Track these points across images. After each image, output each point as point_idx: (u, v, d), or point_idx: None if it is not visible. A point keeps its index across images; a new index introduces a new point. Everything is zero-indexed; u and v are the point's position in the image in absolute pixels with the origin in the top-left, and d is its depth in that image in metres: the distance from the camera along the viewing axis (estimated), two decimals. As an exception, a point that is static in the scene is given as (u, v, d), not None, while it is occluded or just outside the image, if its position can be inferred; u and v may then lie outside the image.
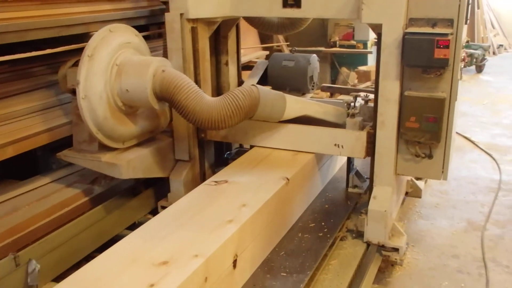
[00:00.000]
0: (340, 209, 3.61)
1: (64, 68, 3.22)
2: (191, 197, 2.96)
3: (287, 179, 3.12)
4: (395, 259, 3.29)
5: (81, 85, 2.91)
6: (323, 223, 3.37)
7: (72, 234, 3.09)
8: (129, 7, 3.85)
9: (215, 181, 3.12)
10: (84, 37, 3.54)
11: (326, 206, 3.64)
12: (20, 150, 3.17)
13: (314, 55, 4.36)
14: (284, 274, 2.80)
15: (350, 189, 3.91)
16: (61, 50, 3.41)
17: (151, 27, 4.10)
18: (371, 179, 3.26)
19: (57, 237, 2.99)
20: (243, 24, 4.21)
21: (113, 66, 3.04)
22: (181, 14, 3.33)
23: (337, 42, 8.71)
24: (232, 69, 4.11)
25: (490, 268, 3.85)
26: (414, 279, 3.69)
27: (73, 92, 3.23)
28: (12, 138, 3.10)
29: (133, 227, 3.50)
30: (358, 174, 3.95)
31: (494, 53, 14.97)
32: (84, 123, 3.01)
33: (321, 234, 3.24)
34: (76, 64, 3.20)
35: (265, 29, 4.31)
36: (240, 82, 4.26)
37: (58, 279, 2.89)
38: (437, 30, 2.88)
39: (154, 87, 3.01)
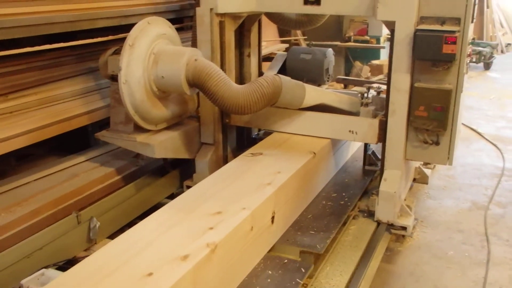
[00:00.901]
0: (358, 182, 4.02)
1: (105, 56, 3.53)
2: (232, 165, 3.39)
3: (314, 153, 3.52)
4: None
5: (122, 71, 3.23)
6: (343, 194, 3.77)
7: (123, 198, 3.52)
8: (162, 1, 4.15)
9: (252, 153, 3.53)
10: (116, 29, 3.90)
11: (346, 180, 4.05)
12: (64, 130, 3.53)
13: (330, 49, 4.66)
14: (312, 232, 3.21)
15: (366, 167, 4.26)
16: (100, 41, 3.73)
17: (182, 20, 4.39)
18: (382, 163, 3.55)
19: (112, 200, 3.45)
20: (264, 19, 4.50)
21: (151, 55, 3.35)
22: (211, 9, 3.61)
23: (352, 37, 9.12)
24: (253, 61, 4.40)
25: (492, 241, 4.25)
26: (422, 249, 4.10)
27: (112, 78, 3.55)
28: (58, 119, 3.45)
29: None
30: (374, 154, 4.28)
31: (502, 52, 15.16)
32: (124, 105, 3.32)
33: (342, 202, 3.64)
34: (115, 53, 3.53)
35: (285, 25, 4.61)
36: (260, 73, 4.55)
37: (112, 236, 3.29)
38: (445, 27, 3.14)
39: (187, 75, 3.31)
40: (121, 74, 3.23)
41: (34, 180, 3.37)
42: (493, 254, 4.07)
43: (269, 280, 2.67)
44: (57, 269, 2.71)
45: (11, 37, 3.03)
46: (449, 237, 4.31)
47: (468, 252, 4.11)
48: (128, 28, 3.42)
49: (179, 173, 4.16)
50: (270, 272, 2.74)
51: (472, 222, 4.56)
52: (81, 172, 3.56)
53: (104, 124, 3.81)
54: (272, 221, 2.96)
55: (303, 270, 2.77)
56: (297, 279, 2.68)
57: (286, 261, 2.86)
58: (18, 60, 3.34)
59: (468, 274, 3.87)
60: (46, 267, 2.64)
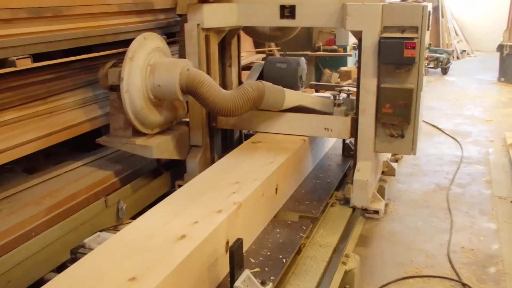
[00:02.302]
0: (339, 166, 4.74)
1: (104, 69, 3.88)
2: (238, 151, 4.03)
3: (304, 140, 4.19)
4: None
5: (124, 81, 3.61)
6: (328, 174, 4.49)
7: (137, 187, 4.15)
8: (151, 19, 4.55)
9: (252, 142, 4.18)
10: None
11: (329, 164, 4.79)
12: (69, 136, 3.90)
13: (303, 58, 5.11)
14: (307, 202, 3.90)
15: (345, 153, 4.94)
16: (98, 55, 4.11)
17: (169, 36, 4.78)
18: (355, 155, 3.99)
19: (130, 188, 4.08)
20: (241, 33, 4.93)
21: (148, 66, 3.74)
22: (198, 24, 4.01)
23: (321, 47, 9.79)
24: (234, 71, 4.81)
25: (454, 214, 5.08)
26: (396, 221, 4.92)
27: (111, 88, 3.92)
28: (63, 126, 3.82)
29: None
30: (350, 143, 4.81)
31: (458, 58, 16.03)
32: (125, 111, 3.70)
33: (328, 181, 4.34)
34: (114, 65, 3.90)
35: (260, 38, 5.07)
36: (240, 82, 4.96)
37: (134, 217, 3.86)
38: (405, 35, 3.58)
39: (181, 83, 3.70)
40: (123, 84, 3.61)
41: (64, 172, 3.94)
42: (455, 223, 4.90)
43: (278, 235, 3.30)
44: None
45: (27, 53, 3.40)
46: (418, 212, 5.12)
47: (435, 223, 4.92)
48: (119, 44, 3.84)
49: (170, 174, 4.55)
50: (278, 230, 3.38)
51: (436, 200, 5.38)
52: (101, 166, 4.15)
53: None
54: (276, 192, 3.63)
55: (304, 228, 3.41)
56: (300, 234, 3.33)
57: (289, 222, 3.51)
58: (28, 74, 3.70)
59: (435, 239, 4.65)
60: (100, 230, 3.21)
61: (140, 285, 2.14)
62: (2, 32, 3.24)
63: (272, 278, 2.78)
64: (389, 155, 5.01)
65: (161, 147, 4.00)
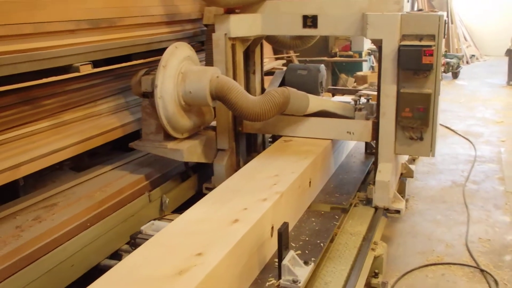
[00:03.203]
0: (363, 163, 5.03)
1: (137, 77, 4.10)
2: (273, 147, 4.38)
3: (331, 140, 4.47)
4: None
5: (158, 88, 3.83)
6: (354, 170, 4.83)
7: (174, 185, 4.46)
8: (179, 29, 4.79)
9: (284, 140, 4.49)
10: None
11: (353, 161, 5.09)
12: (104, 141, 4.14)
13: (322, 65, 5.31)
14: (337, 195, 4.22)
15: (368, 151, 5.22)
16: (131, 64, 4.35)
17: (195, 45, 5.00)
18: (376, 157, 4.17)
19: (168, 185, 4.39)
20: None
21: (179, 74, 3.96)
22: (225, 34, 4.22)
23: (337, 53, 10.09)
24: (257, 77, 5.01)
25: (470, 208, 5.41)
26: (416, 215, 5.26)
27: (144, 95, 4.14)
28: (100, 131, 4.07)
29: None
30: (371, 144, 5.01)
31: (467, 62, 16.21)
32: (158, 116, 3.91)
33: (354, 176, 4.67)
34: (146, 73, 4.12)
35: (280, 46, 5.29)
36: (263, 88, 5.19)
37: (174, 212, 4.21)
38: (423, 42, 3.74)
39: (210, 89, 3.90)
40: (157, 90, 3.83)
41: (109, 170, 4.30)
42: (471, 216, 5.24)
43: (314, 223, 3.66)
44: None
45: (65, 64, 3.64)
46: (436, 206, 5.45)
47: (452, 216, 5.25)
48: (150, 53, 4.21)
49: (198, 177, 4.76)
50: (313, 219, 3.72)
51: (453, 196, 5.73)
52: (142, 164, 4.49)
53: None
54: (310, 185, 3.99)
55: (337, 217, 3.76)
56: (334, 222, 3.68)
57: (322, 212, 3.86)
58: (65, 83, 3.98)
59: (453, 230, 4.99)
60: (154, 219, 3.78)
61: (206, 259, 2.49)
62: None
63: (312, 259, 3.10)
64: (406, 157, 5.21)
65: (191, 151, 4.20)
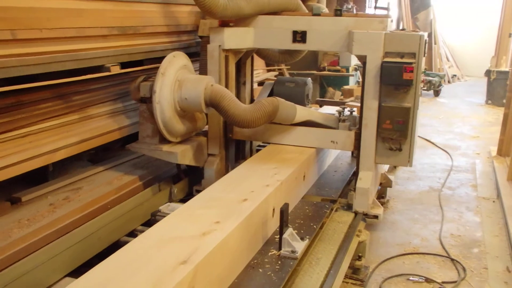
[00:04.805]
0: (350, 165, 5.52)
1: (136, 83, 4.34)
2: (268, 148, 4.75)
3: (315, 148, 4.82)
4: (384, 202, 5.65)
5: (156, 94, 4.08)
6: (342, 170, 5.35)
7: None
8: (175, 40, 5.06)
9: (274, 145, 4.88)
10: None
11: (341, 163, 5.60)
12: (101, 143, 4.38)
13: (309, 78, 5.59)
14: (327, 189, 4.77)
15: (354, 155, 5.51)
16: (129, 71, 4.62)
17: (190, 55, 5.27)
18: (357, 165, 4.43)
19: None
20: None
21: (176, 81, 4.21)
22: (219, 46, 4.49)
23: (326, 67, 10.58)
24: (247, 88, 5.29)
25: (444, 209, 5.95)
26: (395, 214, 5.78)
27: (142, 100, 4.37)
28: (97, 133, 4.32)
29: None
30: None
31: (449, 82, 16.69)
32: (156, 120, 4.15)
33: (342, 174, 5.21)
34: (144, 80, 4.36)
35: (270, 60, 5.56)
36: (252, 98, 5.45)
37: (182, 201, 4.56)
38: (404, 60, 4.01)
39: (205, 97, 4.15)
40: (155, 96, 4.07)
41: (122, 163, 4.80)
42: (445, 216, 5.77)
43: (307, 210, 4.17)
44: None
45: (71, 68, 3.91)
46: (414, 207, 5.98)
47: (428, 216, 5.77)
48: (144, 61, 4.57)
49: (188, 181, 5.00)
50: (306, 207, 4.23)
51: (430, 199, 6.25)
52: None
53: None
54: (304, 178, 4.49)
55: (327, 206, 4.28)
56: (324, 210, 4.19)
57: (315, 202, 4.38)
58: (67, 87, 4.28)
59: (429, 227, 5.51)
60: (170, 201, 4.45)
61: (224, 226, 3.02)
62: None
63: (307, 237, 3.62)
64: (386, 168, 5.52)
65: (184, 154, 4.45)
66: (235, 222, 3.07)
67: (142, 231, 3.41)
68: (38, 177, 4.07)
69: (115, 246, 3.81)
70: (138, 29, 4.56)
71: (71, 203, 3.79)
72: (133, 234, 4.11)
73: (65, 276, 3.46)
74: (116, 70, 4.23)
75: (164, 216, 3.29)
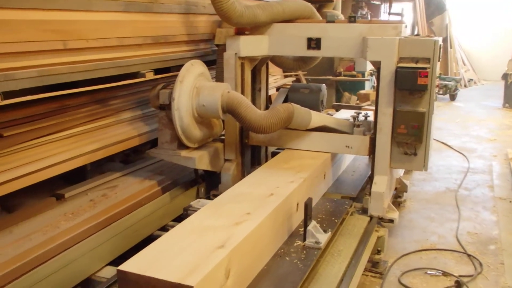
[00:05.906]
0: (367, 165, 5.65)
1: (155, 90, 4.45)
2: (283, 154, 4.81)
3: (330, 153, 4.87)
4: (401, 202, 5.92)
5: (175, 101, 4.18)
6: (360, 170, 5.55)
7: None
8: (193, 49, 5.16)
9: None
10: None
11: (359, 164, 5.77)
12: (134, 144, 4.64)
13: (324, 84, 5.64)
14: (346, 187, 4.99)
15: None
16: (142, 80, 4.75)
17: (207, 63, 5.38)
18: (372, 170, 4.48)
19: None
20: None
21: (194, 88, 4.31)
22: (235, 53, 4.57)
23: (342, 72, 10.71)
24: (263, 94, 5.35)
25: (461, 209, 6.02)
26: (413, 213, 5.89)
27: (161, 107, 4.48)
28: (131, 135, 4.60)
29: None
30: None
31: (465, 86, 16.62)
32: (174, 126, 4.25)
33: (360, 174, 5.38)
34: (164, 87, 4.47)
35: (284, 67, 5.64)
36: (267, 105, 5.53)
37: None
38: (419, 65, 4.04)
39: (222, 103, 4.24)
40: (174, 103, 4.17)
41: (150, 164, 5.13)
42: (462, 215, 5.83)
43: (328, 206, 4.33)
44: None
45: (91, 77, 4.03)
46: (431, 207, 6.07)
47: (445, 215, 5.86)
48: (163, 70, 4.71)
49: (205, 185, 5.09)
50: (327, 204, 4.38)
51: (446, 199, 6.32)
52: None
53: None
54: (324, 177, 4.70)
55: (347, 203, 4.42)
56: (345, 206, 4.35)
57: (335, 199, 4.53)
58: (104, 92, 4.56)
59: (445, 225, 5.61)
60: (199, 197, 4.81)
61: (254, 217, 3.27)
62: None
63: (329, 230, 3.78)
64: (402, 173, 5.55)
65: (201, 159, 4.54)
66: (265, 213, 3.31)
67: (173, 226, 3.66)
68: (77, 176, 4.44)
69: (149, 239, 4.08)
70: (168, 38, 4.81)
71: (108, 200, 4.14)
72: (165, 229, 4.46)
73: (106, 265, 3.82)
74: (150, 76, 4.53)
75: (196, 211, 3.52)
